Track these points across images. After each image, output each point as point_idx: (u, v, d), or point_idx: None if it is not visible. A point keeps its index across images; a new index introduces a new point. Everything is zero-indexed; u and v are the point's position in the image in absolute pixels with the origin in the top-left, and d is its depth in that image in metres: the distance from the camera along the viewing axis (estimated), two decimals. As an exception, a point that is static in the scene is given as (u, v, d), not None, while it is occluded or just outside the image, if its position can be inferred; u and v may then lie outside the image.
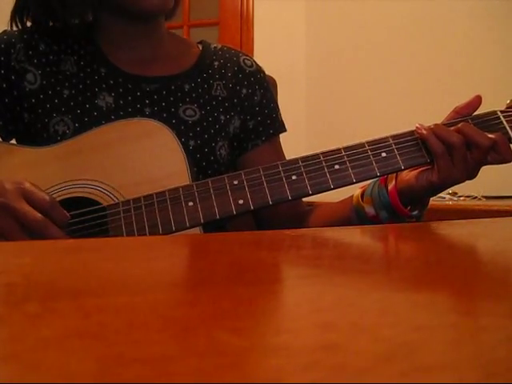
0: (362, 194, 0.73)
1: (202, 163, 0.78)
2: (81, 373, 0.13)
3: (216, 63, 0.86)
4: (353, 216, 0.74)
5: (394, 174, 0.71)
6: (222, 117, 0.83)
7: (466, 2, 2.06)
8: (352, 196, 0.76)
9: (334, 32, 2.33)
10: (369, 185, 0.73)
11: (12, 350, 0.15)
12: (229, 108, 0.84)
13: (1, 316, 0.20)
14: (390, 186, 0.70)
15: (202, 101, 0.82)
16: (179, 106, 0.80)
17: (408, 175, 0.69)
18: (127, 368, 0.14)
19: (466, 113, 0.68)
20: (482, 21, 2.03)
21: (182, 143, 0.74)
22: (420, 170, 0.68)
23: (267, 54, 2.39)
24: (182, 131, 0.77)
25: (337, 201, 0.81)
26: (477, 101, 0.69)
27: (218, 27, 2.52)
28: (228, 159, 0.83)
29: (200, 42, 0.90)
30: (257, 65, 0.89)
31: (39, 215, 0.59)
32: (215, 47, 0.89)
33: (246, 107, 0.85)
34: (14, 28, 0.82)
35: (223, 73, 0.85)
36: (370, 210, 0.72)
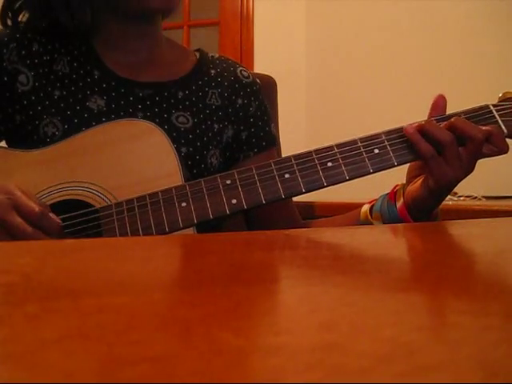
0: (370, 210, 0.73)
1: (192, 170, 0.77)
2: (81, 373, 0.13)
3: (213, 71, 0.85)
4: None
5: (402, 191, 0.70)
6: (216, 125, 0.82)
7: (466, 2, 2.06)
8: (357, 211, 0.75)
9: (334, 32, 2.33)
10: (377, 200, 0.73)
11: (12, 350, 0.15)
12: (222, 117, 0.83)
13: (1, 316, 0.19)
14: (399, 204, 0.69)
15: (195, 109, 0.81)
16: (172, 112, 0.79)
17: (411, 188, 0.69)
18: (127, 368, 0.14)
19: (436, 114, 0.67)
20: (482, 21, 2.03)
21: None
22: (421, 179, 0.68)
23: (267, 54, 2.39)
24: (173, 138, 0.75)
25: (339, 215, 0.80)
26: (440, 100, 0.68)
27: (218, 27, 2.52)
28: (219, 168, 0.81)
29: (197, 50, 0.89)
30: (253, 77, 0.89)
31: (29, 228, 0.58)
32: (212, 56, 0.88)
33: (241, 117, 0.85)
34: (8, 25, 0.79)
35: (219, 81, 0.85)
36: (379, 225, 0.71)
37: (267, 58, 2.36)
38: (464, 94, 1.97)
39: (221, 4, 2.51)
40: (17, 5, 0.78)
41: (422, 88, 2.09)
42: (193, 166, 0.78)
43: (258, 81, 0.90)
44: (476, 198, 1.49)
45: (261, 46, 2.43)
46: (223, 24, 2.50)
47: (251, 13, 2.45)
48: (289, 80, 2.14)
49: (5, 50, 0.77)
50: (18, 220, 0.58)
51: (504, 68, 1.95)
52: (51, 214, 0.60)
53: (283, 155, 0.90)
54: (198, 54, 0.88)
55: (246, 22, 2.45)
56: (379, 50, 2.22)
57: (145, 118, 0.77)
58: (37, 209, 0.59)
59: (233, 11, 2.48)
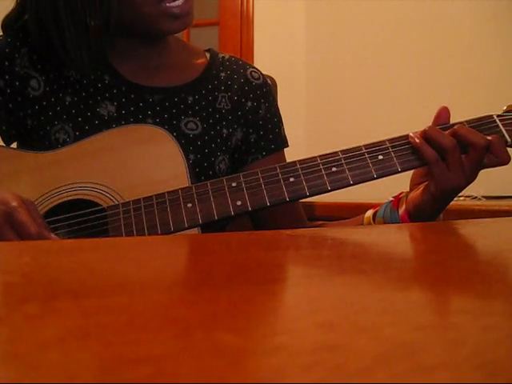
0: (374, 216, 0.73)
1: (200, 177, 0.77)
2: (81, 373, 0.13)
3: (223, 74, 0.85)
4: None
5: (405, 198, 0.70)
6: (225, 130, 0.82)
7: (468, 3, 2.06)
8: (360, 217, 0.76)
9: (333, 32, 2.33)
10: (381, 206, 0.73)
11: (12, 351, 0.15)
12: (232, 121, 0.83)
13: (1, 316, 0.19)
14: (401, 211, 0.70)
15: (204, 114, 0.81)
16: (181, 118, 0.79)
17: (413, 195, 0.69)
18: (127, 368, 0.14)
19: (441, 123, 0.68)
20: (484, 24, 2.03)
21: None
22: (423, 186, 0.68)
23: (267, 54, 2.39)
24: (182, 145, 0.74)
25: (344, 220, 0.81)
26: (443, 111, 0.68)
27: (218, 27, 2.51)
28: (227, 173, 0.81)
29: (208, 50, 0.88)
30: (264, 78, 0.88)
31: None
32: (223, 57, 0.87)
33: (250, 120, 0.84)
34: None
35: (229, 84, 0.84)
36: (379, 225, 0.71)
37: (267, 58, 2.36)
38: (465, 92, 1.97)
39: (221, 4, 2.51)
40: (24, 17, 0.77)
41: (421, 88, 2.09)
42: (201, 173, 0.78)
43: (269, 81, 0.89)
44: (476, 197, 1.49)
45: (261, 46, 2.42)
46: (223, 24, 2.50)
47: (251, 13, 2.45)
48: (289, 80, 2.14)
49: (17, 55, 0.77)
50: (12, 237, 0.56)
51: (507, 70, 1.95)
52: (52, 235, 0.58)
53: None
54: (208, 56, 0.87)
55: (246, 22, 2.45)
56: (379, 50, 2.22)
57: (154, 124, 0.77)
58: (33, 230, 0.56)
59: (233, 11, 2.48)
